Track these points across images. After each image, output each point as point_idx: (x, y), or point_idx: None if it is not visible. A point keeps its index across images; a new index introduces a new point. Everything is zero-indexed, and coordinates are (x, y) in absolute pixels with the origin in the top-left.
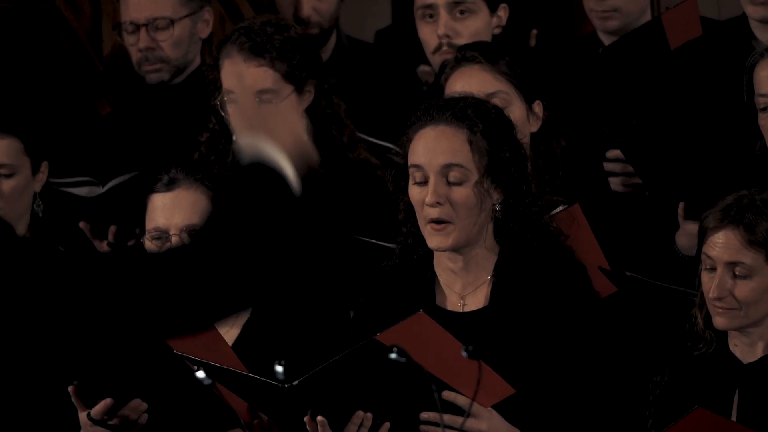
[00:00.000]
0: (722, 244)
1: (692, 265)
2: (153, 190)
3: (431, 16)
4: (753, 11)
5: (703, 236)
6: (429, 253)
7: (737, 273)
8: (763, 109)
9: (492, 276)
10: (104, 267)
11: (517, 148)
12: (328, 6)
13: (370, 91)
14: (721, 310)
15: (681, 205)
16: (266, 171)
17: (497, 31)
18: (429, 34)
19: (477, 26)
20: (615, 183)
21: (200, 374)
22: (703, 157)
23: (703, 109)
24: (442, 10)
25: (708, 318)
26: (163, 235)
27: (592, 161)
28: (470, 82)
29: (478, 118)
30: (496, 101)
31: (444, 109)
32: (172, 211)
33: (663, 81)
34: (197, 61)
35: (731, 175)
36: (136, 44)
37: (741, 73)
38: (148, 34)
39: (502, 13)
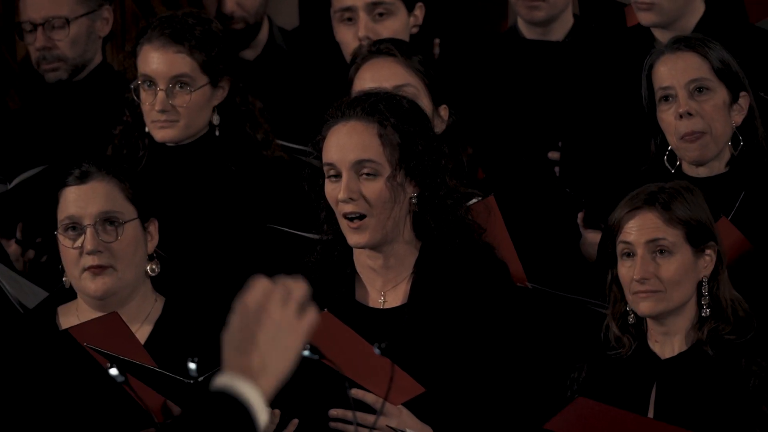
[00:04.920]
0: (639, 226)
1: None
2: (65, 185)
3: (350, 19)
4: (641, 18)
5: (613, 233)
6: (349, 250)
7: (659, 251)
8: (665, 99)
9: (412, 273)
10: None
11: (431, 140)
12: (252, 1)
13: (299, 88)
14: (644, 294)
15: (580, 214)
16: None
17: (414, 30)
18: (348, 37)
19: (396, 27)
20: None
21: (113, 371)
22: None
23: (612, 112)
24: (362, 12)
25: (624, 323)
26: (76, 224)
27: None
28: (380, 73)
29: (389, 111)
30: (405, 91)
31: (354, 104)
32: (86, 201)
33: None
34: (98, 59)
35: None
36: (33, 43)
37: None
38: (45, 34)
39: (419, 12)
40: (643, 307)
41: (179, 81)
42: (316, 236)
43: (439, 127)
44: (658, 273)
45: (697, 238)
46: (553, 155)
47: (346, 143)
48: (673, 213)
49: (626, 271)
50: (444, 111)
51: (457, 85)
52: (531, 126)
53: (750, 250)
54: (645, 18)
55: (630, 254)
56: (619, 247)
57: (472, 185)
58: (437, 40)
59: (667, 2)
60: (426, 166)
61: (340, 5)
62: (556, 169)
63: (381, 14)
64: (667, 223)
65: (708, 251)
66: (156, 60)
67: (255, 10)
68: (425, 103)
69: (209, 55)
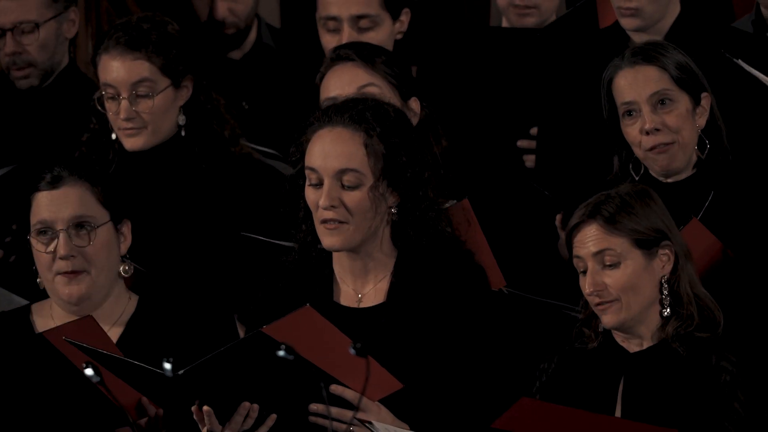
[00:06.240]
0: (584, 240)
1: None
2: (37, 189)
3: (335, 29)
4: (624, 23)
5: (570, 242)
6: (328, 251)
7: (607, 263)
8: (629, 113)
9: (391, 274)
10: None
11: (415, 151)
12: (244, 7)
13: (286, 87)
14: (602, 307)
15: (558, 216)
16: None
17: (399, 36)
18: (332, 44)
19: (380, 38)
20: (530, 161)
21: (89, 372)
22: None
23: (586, 112)
24: (346, 24)
25: (597, 328)
26: (49, 229)
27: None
28: (342, 78)
29: (376, 121)
30: (368, 91)
31: (342, 110)
32: (58, 206)
33: (550, 84)
34: (65, 61)
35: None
36: (3, 49)
37: None
38: (14, 39)
39: (404, 17)
40: (606, 319)
41: (141, 87)
42: (288, 244)
43: (412, 120)
44: (607, 283)
45: (647, 241)
46: (523, 143)
47: (331, 151)
48: (617, 225)
49: (584, 286)
50: (415, 103)
51: (437, 80)
52: (510, 118)
53: (722, 249)
54: (628, 23)
55: (584, 270)
56: (575, 263)
57: (447, 179)
58: (414, 67)
59: (650, 6)
60: (409, 177)
61: (325, 13)
62: (526, 158)
63: (365, 27)
64: (610, 233)
65: (663, 251)
66: (115, 69)
67: (246, 15)
68: (392, 100)
69: (168, 58)
